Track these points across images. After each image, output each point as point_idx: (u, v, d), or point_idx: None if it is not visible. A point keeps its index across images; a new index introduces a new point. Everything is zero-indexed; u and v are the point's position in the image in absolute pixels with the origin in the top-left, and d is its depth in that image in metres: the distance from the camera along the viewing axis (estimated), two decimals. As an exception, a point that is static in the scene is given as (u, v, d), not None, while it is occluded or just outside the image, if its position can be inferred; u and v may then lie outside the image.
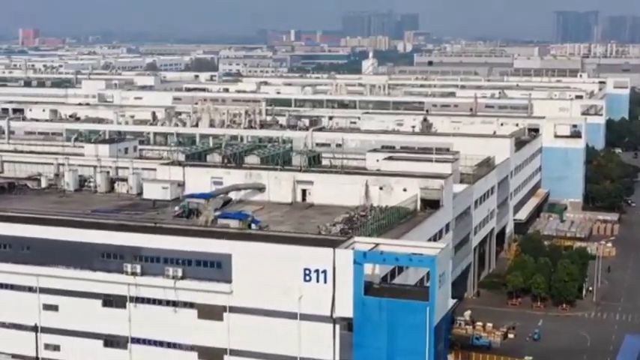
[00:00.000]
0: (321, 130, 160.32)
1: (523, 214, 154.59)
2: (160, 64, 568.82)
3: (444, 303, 78.15)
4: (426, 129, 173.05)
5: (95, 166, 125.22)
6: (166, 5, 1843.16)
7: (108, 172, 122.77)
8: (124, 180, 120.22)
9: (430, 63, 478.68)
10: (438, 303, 74.44)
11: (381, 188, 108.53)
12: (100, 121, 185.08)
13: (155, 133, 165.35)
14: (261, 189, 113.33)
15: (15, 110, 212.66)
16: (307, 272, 75.03)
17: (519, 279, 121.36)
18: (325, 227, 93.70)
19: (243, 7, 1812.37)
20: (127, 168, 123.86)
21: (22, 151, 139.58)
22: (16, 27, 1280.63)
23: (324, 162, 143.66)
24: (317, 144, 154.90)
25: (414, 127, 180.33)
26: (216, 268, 78.01)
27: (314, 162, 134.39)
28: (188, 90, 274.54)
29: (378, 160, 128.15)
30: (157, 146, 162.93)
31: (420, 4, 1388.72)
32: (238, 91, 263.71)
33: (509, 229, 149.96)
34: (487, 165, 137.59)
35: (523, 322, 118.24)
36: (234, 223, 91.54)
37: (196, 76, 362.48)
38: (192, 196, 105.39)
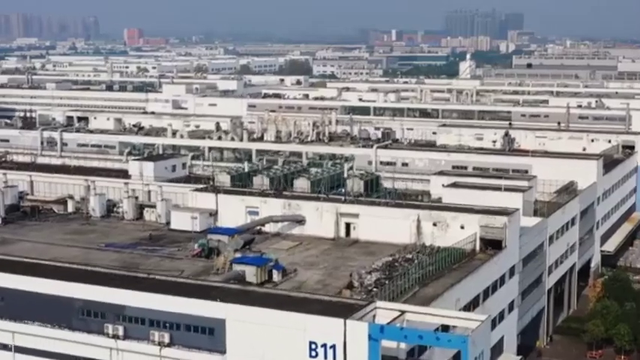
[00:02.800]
0: (386, 147, 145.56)
1: (612, 245, 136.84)
2: (254, 66, 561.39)
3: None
4: (508, 144, 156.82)
5: (128, 189, 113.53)
6: (269, 5, 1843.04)
7: (136, 198, 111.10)
8: (153, 206, 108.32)
9: (529, 65, 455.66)
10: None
11: (435, 224, 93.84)
12: (157, 132, 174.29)
13: (210, 148, 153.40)
14: (300, 221, 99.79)
15: (80, 118, 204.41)
16: (313, 346, 60.92)
17: (600, 328, 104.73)
18: (359, 276, 79.65)
19: (346, 7, 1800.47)
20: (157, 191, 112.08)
21: (53, 169, 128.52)
22: (122, 27, 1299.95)
23: (388, 184, 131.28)
24: (381, 162, 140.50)
25: (494, 141, 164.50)
26: (208, 335, 64.58)
27: (371, 187, 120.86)
28: (265, 96, 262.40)
29: (444, 185, 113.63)
30: (213, 162, 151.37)
31: (525, 2, 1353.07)
32: (317, 98, 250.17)
33: (595, 262, 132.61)
34: (569, 191, 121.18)
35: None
36: (250, 270, 78.30)
37: (282, 80, 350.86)
38: (215, 231, 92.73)
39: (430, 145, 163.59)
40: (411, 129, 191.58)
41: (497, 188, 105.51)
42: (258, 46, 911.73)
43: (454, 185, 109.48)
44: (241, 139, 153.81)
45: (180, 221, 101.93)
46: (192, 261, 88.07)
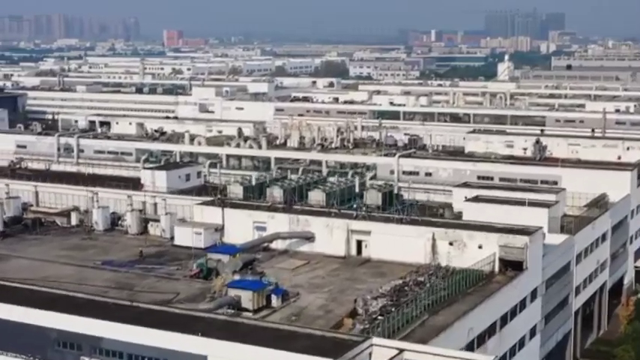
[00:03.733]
0: (409, 155, 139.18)
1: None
2: (289, 67, 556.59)
3: None
4: (539, 153, 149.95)
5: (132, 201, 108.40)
6: (309, 6, 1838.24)
7: (140, 211, 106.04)
8: (158, 220, 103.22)
9: (569, 67, 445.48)
10: None
11: (451, 244, 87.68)
12: (178, 138, 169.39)
13: (228, 156, 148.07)
14: (309, 238, 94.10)
15: (102, 123, 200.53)
16: (300, 388, 55.23)
17: (630, 354, 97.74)
18: (364, 302, 73.76)
19: (386, 7, 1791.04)
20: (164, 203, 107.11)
21: (63, 178, 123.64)
22: (162, 28, 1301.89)
23: (409, 196, 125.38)
24: (404, 172, 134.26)
25: (525, 149, 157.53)
26: (189, 373, 59.16)
27: (389, 199, 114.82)
28: (294, 99, 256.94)
29: (466, 198, 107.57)
30: (231, 170, 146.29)
31: (566, 2, 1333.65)
32: (346, 102, 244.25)
33: (629, 279, 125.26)
34: (600, 204, 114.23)
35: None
36: (246, 295, 72.79)
37: (314, 82, 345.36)
38: (215, 249, 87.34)
39: (457, 153, 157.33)
40: (442, 134, 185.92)
41: (522, 203, 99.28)
42: (296, 47, 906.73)
43: (476, 199, 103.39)
44: (260, 147, 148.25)
45: (184, 237, 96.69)
46: (189, 282, 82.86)
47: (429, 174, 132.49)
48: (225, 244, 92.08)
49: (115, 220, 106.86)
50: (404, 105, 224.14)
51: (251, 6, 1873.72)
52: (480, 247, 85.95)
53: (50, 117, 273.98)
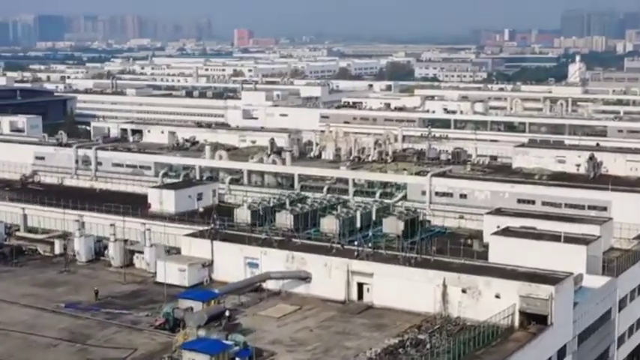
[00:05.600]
0: (444, 174, 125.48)
1: None
2: (353, 69, 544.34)
3: None
4: (593, 170, 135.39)
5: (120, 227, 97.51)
6: (381, 5, 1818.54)
7: (125, 241, 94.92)
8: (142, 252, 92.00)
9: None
10: None
11: (464, 291, 74.76)
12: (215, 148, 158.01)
13: (250, 171, 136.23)
14: (305, 278, 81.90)
15: (134, 131, 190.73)
16: None
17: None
18: (345, 369, 61.47)
19: (460, 5, 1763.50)
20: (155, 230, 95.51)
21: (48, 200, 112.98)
22: (234, 28, 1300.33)
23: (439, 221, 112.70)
24: (436, 193, 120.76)
25: (578, 165, 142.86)
26: None
27: (412, 228, 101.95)
28: (341, 106, 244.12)
29: (498, 227, 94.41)
30: (254, 187, 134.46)
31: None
32: (397, 108, 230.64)
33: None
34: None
35: None
36: (202, 359, 60.85)
37: (370, 86, 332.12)
38: (186, 295, 75.49)
39: (504, 169, 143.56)
40: (490, 146, 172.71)
41: (557, 237, 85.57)
42: (365, 47, 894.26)
43: (504, 232, 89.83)
44: (284, 162, 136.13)
45: (167, 273, 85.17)
46: (153, 334, 71.34)
47: (463, 196, 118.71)
48: (198, 290, 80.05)
49: (101, 249, 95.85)
50: (455, 112, 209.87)
51: (324, 5, 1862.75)
52: (498, 296, 72.94)
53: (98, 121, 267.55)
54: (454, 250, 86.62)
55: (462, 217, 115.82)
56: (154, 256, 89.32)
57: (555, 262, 78.90)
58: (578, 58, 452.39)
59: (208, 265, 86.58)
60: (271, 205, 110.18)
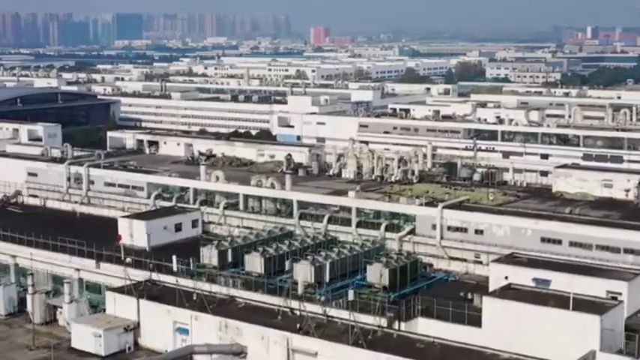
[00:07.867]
0: (458, 206, 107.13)
1: None
2: (422, 69, 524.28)
3: None
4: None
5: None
6: (462, 2, 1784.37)
7: (47, 293, 79.65)
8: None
9: None
10: None
11: (425, 383, 57.64)
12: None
13: (246, 196, 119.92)
14: (239, 354, 65.48)
15: (150, 143, 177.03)
16: None
17: None
18: None
19: (542, 2, 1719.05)
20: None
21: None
22: (312, 25, 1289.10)
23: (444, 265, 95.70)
24: (449, 227, 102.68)
25: (627, 191, 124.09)
26: None
27: (402, 279, 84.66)
28: (385, 113, 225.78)
29: (506, 278, 77.37)
30: (251, 214, 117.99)
31: None
32: (445, 117, 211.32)
33: None
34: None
35: None
36: None
37: (428, 89, 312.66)
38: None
39: (542, 193, 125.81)
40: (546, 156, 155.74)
41: (566, 302, 67.50)
42: (441, 46, 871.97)
43: (502, 292, 72.04)
44: (283, 186, 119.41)
45: (83, 339, 69.79)
46: None
47: (479, 232, 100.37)
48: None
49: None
50: (503, 121, 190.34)
51: (402, 3, 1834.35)
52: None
53: (144, 125, 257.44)
54: (443, 311, 69.87)
55: (477, 257, 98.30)
56: (74, 313, 73.95)
57: (562, 335, 62.77)
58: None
59: (133, 328, 70.81)
60: (246, 242, 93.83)
